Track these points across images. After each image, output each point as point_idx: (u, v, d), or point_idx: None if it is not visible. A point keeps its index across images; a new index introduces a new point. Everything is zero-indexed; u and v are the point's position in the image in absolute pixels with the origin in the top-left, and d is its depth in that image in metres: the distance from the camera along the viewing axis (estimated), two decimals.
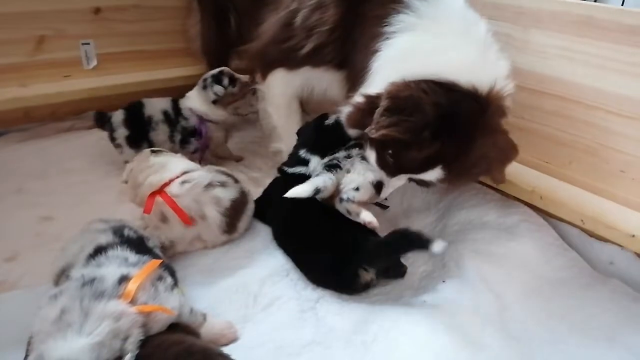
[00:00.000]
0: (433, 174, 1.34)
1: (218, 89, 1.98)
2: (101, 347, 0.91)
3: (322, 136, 1.68)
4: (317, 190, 1.45)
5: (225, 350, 1.07)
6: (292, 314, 1.31)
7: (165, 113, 2.00)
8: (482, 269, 1.46)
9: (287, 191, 1.45)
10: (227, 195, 1.53)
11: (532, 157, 1.74)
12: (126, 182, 1.58)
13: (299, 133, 1.77)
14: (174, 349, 0.99)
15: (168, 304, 1.09)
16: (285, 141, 1.91)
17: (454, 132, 1.27)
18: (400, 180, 1.45)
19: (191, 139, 2.03)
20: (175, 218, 1.46)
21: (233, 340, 1.23)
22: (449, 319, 1.29)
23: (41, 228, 1.67)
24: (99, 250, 1.16)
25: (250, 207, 1.63)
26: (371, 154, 1.44)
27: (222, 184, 1.54)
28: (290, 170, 1.65)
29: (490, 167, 1.40)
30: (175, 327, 1.10)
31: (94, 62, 2.37)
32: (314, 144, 1.67)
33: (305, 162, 1.64)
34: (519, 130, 1.76)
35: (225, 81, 2.00)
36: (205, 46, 2.39)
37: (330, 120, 1.68)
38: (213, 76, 2.01)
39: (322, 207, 1.50)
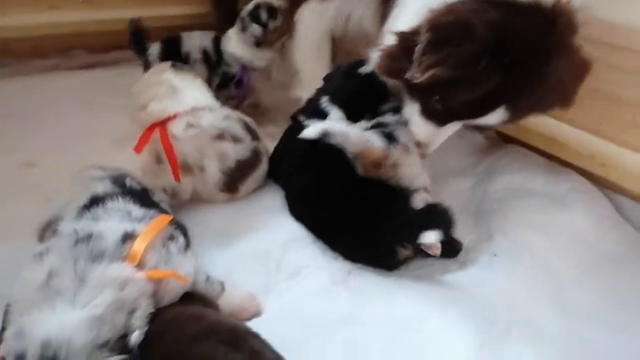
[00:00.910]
0: (495, 117, 1.11)
1: (255, 29, 1.69)
2: (101, 323, 0.71)
3: (351, 86, 1.39)
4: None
5: None
6: (321, 286, 1.12)
7: (204, 52, 1.78)
8: (532, 242, 1.28)
9: (300, 149, 1.24)
10: (235, 153, 1.32)
11: (587, 119, 1.55)
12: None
13: (325, 78, 1.50)
14: (192, 325, 0.80)
15: (181, 270, 0.89)
16: (307, 88, 1.65)
17: (517, 59, 1.01)
18: (453, 127, 1.22)
19: (230, 84, 1.79)
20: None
21: (255, 314, 1.04)
22: (502, 296, 1.11)
23: (22, 175, 1.45)
24: (95, 201, 0.94)
25: (262, 170, 1.41)
26: (413, 107, 1.21)
27: (234, 139, 1.32)
28: (307, 121, 1.34)
29: (566, 95, 1.15)
30: (190, 297, 0.90)
31: None
32: (339, 93, 1.38)
33: (324, 115, 1.36)
34: None
35: (264, 16, 1.69)
36: None
37: (366, 69, 1.38)
38: (250, 13, 1.71)
39: (351, 171, 1.25)
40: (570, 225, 1.35)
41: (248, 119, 1.41)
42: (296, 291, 1.10)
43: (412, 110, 1.22)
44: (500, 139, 1.75)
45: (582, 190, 1.44)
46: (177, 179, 1.26)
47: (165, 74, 1.34)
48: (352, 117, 1.34)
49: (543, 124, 1.58)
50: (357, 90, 1.39)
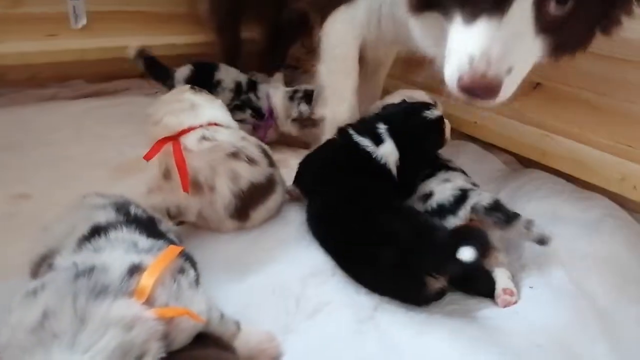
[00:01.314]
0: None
1: (305, 110, 1.72)
2: None
3: (414, 128, 1.33)
4: None
5: None
6: (346, 325, 1.00)
7: (237, 84, 1.83)
8: (569, 272, 1.18)
9: (341, 161, 1.18)
10: (249, 174, 1.23)
11: (614, 141, 1.47)
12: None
13: (385, 107, 1.44)
14: None
15: (194, 307, 0.78)
16: (332, 107, 1.56)
17: None
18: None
19: (247, 110, 1.79)
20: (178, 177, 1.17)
21: (276, 357, 0.91)
22: (547, 334, 1.00)
23: (15, 208, 1.34)
24: (97, 231, 0.83)
25: (275, 200, 1.31)
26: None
27: (250, 160, 1.23)
28: (357, 138, 1.31)
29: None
30: (203, 339, 0.79)
31: (83, 21, 2.02)
32: (400, 129, 1.32)
33: (378, 140, 1.30)
34: (595, 109, 1.50)
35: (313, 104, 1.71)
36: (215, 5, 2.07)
37: (432, 114, 1.34)
38: (308, 93, 1.73)
39: (383, 189, 1.18)
40: (608, 252, 1.25)
41: (265, 146, 1.33)
42: (319, 330, 0.98)
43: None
44: (521, 164, 1.68)
45: (615, 216, 1.36)
46: (185, 189, 1.16)
47: (185, 94, 1.30)
48: (403, 155, 1.31)
49: (568, 147, 1.51)
50: (418, 134, 1.34)
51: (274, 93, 1.81)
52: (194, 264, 0.92)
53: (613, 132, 1.47)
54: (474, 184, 1.31)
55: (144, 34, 2.14)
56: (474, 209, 1.18)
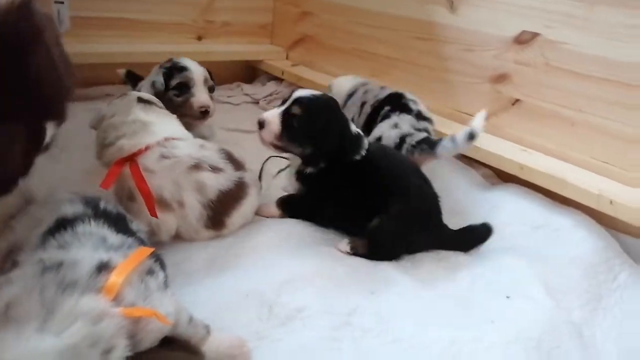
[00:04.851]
0: None
1: None
2: (75, 355, 0.57)
3: None
4: None
5: None
6: (321, 331, 0.98)
7: None
8: (544, 281, 1.19)
9: None
10: (215, 183, 1.21)
11: (591, 157, 1.50)
12: (94, 128, 1.26)
13: None
14: None
15: (162, 309, 0.75)
16: None
17: None
18: None
19: None
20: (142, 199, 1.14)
21: None
22: (522, 343, 0.99)
23: None
24: (62, 224, 0.81)
25: (249, 203, 1.29)
26: None
27: (214, 169, 1.21)
28: None
29: None
30: (170, 342, 0.76)
31: (66, 26, 2.00)
32: None
33: None
34: (573, 125, 1.53)
35: None
36: None
37: None
38: None
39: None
40: (579, 261, 1.27)
41: (229, 150, 1.30)
42: (292, 337, 0.96)
43: None
44: (500, 179, 1.69)
45: (588, 229, 1.36)
46: (153, 213, 1.13)
47: (134, 110, 1.26)
48: None
49: (545, 163, 1.53)
50: None
51: None
52: (163, 266, 0.89)
53: (590, 148, 1.50)
54: (427, 118, 1.61)
55: (126, 41, 2.12)
56: (408, 151, 1.48)
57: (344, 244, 1.26)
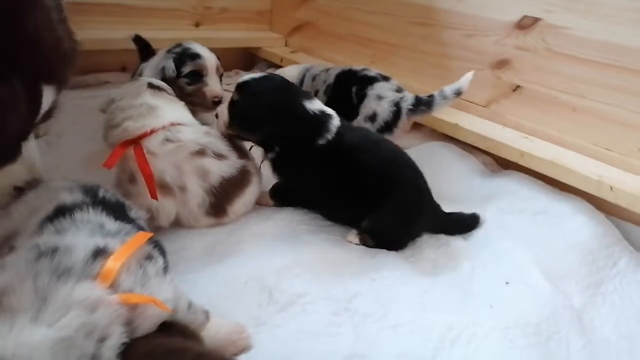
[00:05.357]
0: None
1: None
2: (68, 347, 0.57)
3: None
4: None
5: None
6: (321, 317, 0.98)
7: None
8: (543, 267, 1.19)
9: None
10: (218, 169, 1.20)
11: (591, 143, 1.49)
12: (103, 110, 1.25)
13: None
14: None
15: (160, 295, 0.75)
16: None
17: None
18: None
19: None
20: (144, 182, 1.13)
21: (245, 349, 0.89)
22: (521, 328, 0.99)
23: None
24: (61, 212, 0.80)
25: (252, 191, 1.29)
26: None
27: (217, 155, 1.21)
28: None
29: None
30: (169, 327, 0.76)
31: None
32: None
33: None
34: (574, 112, 1.52)
35: None
36: None
37: None
38: None
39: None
40: (578, 249, 1.26)
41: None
42: (292, 324, 0.96)
43: None
44: (500, 166, 1.68)
45: (589, 215, 1.36)
46: (153, 195, 1.13)
47: (143, 94, 1.25)
48: None
49: (546, 149, 1.52)
50: None
51: None
52: (163, 252, 0.88)
53: (591, 134, 1.49)
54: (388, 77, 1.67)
55: (123, 27, 2.10)
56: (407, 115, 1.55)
57: (353, 235, 1.25)
